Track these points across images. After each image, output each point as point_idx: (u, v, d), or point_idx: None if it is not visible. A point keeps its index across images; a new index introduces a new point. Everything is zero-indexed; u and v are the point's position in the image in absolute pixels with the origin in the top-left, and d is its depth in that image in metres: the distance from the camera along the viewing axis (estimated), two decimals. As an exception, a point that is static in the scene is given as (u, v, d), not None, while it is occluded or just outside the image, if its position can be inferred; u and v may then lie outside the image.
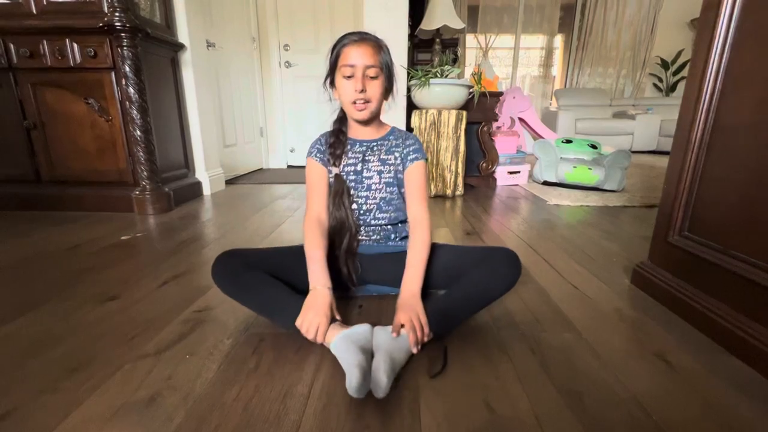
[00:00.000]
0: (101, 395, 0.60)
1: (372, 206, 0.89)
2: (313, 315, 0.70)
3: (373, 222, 0.90)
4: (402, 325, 0.69)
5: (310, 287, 0.76)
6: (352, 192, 0.89)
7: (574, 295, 0.96)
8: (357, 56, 0.78)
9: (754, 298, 0.68)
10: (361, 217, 0.90)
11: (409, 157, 0.90)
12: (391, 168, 0.90)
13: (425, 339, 0.71)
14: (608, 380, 0.64)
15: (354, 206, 0.89)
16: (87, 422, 0.55)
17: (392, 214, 0.90)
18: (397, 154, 0.90)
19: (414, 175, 0.90)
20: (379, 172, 0.89)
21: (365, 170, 0.89)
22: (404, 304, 0.74)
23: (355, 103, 0.82)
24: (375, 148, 0.90)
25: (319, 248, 0.82)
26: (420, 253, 0.83)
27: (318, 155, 0.91)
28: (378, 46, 0.81)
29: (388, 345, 0.65)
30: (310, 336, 0.70)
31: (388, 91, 0.86)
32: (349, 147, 0.90)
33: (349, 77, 0.80)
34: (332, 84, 0.86)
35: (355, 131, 0.91)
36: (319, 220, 0.87)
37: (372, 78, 0.81)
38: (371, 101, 0.82)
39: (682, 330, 0.80)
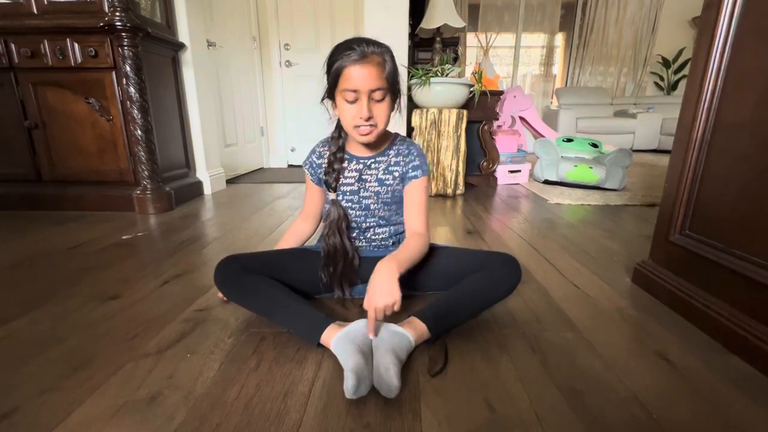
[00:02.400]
0: (102, 394, 0.60)
1: (371, 224, 0.89)
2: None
3: (372, 237, 0.91)
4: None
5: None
6: (349, 210, 0.87)
7: (575, 294, 0.96)
8: (360, 79, 0.70)
9: (755, 297, 0.68)
10: (361, 234, 0.90)
11: (408, 175, 0.85)
12: (389, 189, 0.86)
13: (391, 311, 0.66)
14: (609, 379, 0.64)
15: (353, 224, 0.88)
16: (88, 421, 0.55)
17: (392, 228, 0.91)
18: (396, 174, 0.86)
19: (412, 192, 0.86)
20: (377, 194, 0.86)
21: (362, 190, 0.86)
22: (373, 279, 0.68)
23: (359, 127, 0.75)
24: (372, 166, 0.85)
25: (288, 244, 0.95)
26: (413, 244, 0.78)
27: (310, 170, 0.90)
28: (382, 60, 0.72)
29: (393, 344, 0.65)
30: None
31: (394, 103, 0.79)
32: (345, 163, 0.86)
33: (352, 101, 0.73)
34: (331, 98, 0.78)
35: (354, 146, 0.86)
36: (305, 222, 0.97)
37: (378, 101, 0.74)
38: (378, 125, 0.76)
39: (683, 329, 0.80)
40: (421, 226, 0.84)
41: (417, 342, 0.70)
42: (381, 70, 0.72)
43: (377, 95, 0.73)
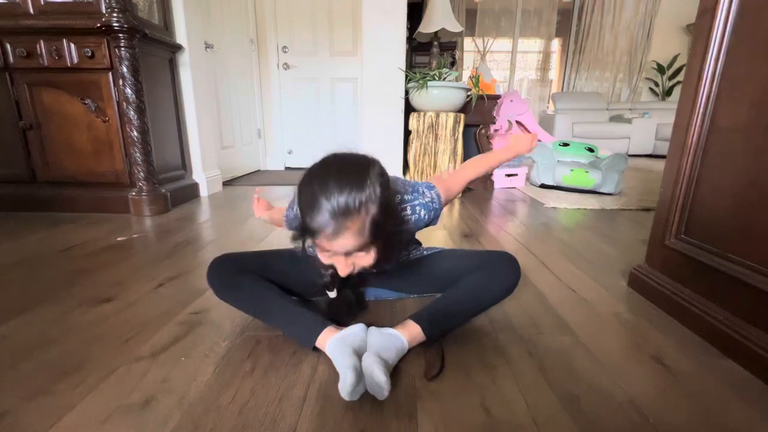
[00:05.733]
0: (95, 398, 0.59)
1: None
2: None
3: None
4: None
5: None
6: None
7: (571, 298, 0.96)
8: (336, 246, 0.59)
9: (751, 302, 0.68)
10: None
11: (435, 216, 0.77)
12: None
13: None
14: (606, 383, 0.64)
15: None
16: (81, 425, 0.54)
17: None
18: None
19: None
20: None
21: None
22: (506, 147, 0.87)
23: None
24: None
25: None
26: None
27: (289, 227, 0.76)
28: (362, 225, 0.57)
29: (378, 345, 0.65)
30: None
31: (386, 243, 0.64)
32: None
33: (328, 255, 0.63)
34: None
35: None
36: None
37: (361, 252, 0.62)
38: (365, 267, 0.65)
39: (679, 333, 0.80)
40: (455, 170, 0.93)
41: (411, 344, 0.69)
42: (359, 233, 0.58)
43: (357, 253, 0.62)
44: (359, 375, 0.58)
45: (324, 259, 0.64)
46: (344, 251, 0.61)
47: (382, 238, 0.62)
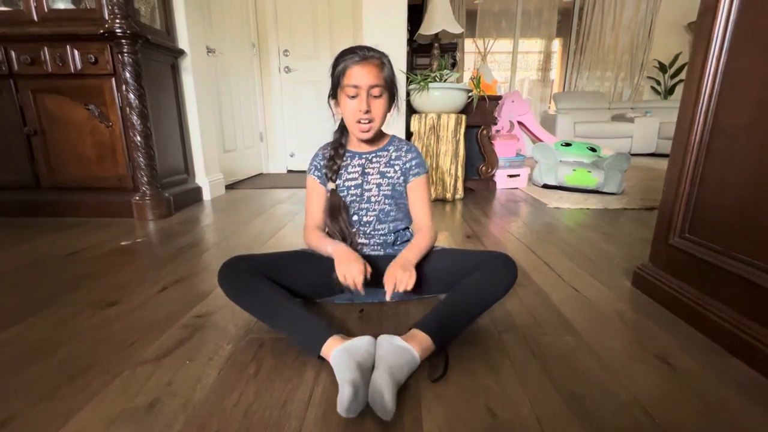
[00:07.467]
0: (100, 402, 0.60)
1: (372, 218, 0.92)
2: (352, 263, 0.77)
3: (373, 232, 0.93)
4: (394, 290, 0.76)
5: (331, 251, 0.83)
6: (352, 204, 0.91)
7: (574, 297, 0.96)
8: (360, 77, 0.79)
9: (756, 300, 0.68)
10: (362, 228, 0.93)
11: (411, 172, 0.93)
12: (390, 182, 0.92)
13: (405, 288, 0.75)
14: (610, 383, 0.63)
15: (354, 218, 0.92)
16: (86, 429, 0.54)
17: (391, 224, 0.93)
18: (396, 168, 0.92)
19: (416, 189, 0.93)
20: (378, 185, 0.91)
21: (365, 183, 0.91)
22: (394, 262, 0.79)
23: (359, 122, 0.83)
24: (374, 160, 0.92)
25: (325, 236, 0.91)
26: (421, 240, 0.87)
27: (316, 173, 0.95)
28: (381, 63, 0.82)
29: (390, 360, 0.62)
30: (357, 281, 0.75)
31: (391, 104, 0.87)
32: (348, 160, 0.92)
33: (353, 97, 0.82)
34: (334, 98, 0.87)
35: (355, 143, 0.93)
36: (319, 229, 0.95)
37: (376, 97, 0.82)
38: (375, 120, 0.85)
39: (683, 332, 0.79)
40: (427, 219, 0.93)
41: (422, 357, 0.67)
42: (379, 70, 0.81)
43: (375, 92, 0.81)
44: (357, 391, 0.55)
45: (348, 105, 0.82)
46: (367, 83, 0.79)
47: (390, 93, 0.84)
